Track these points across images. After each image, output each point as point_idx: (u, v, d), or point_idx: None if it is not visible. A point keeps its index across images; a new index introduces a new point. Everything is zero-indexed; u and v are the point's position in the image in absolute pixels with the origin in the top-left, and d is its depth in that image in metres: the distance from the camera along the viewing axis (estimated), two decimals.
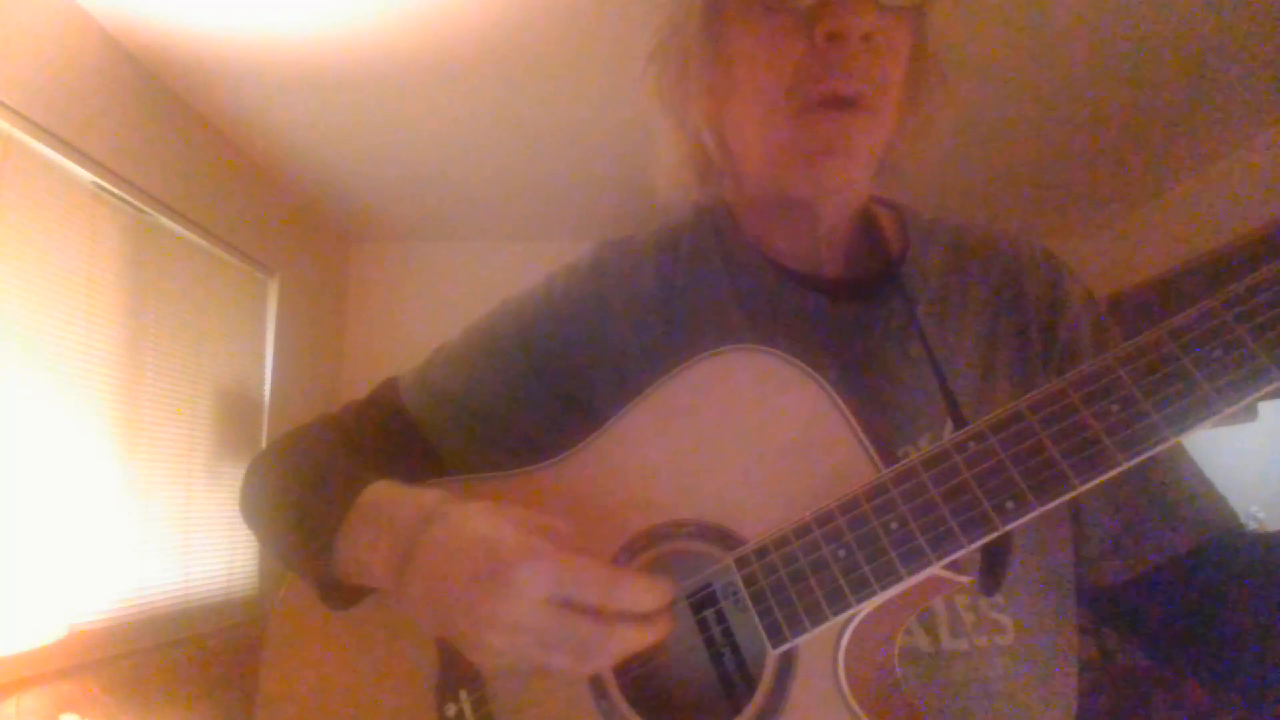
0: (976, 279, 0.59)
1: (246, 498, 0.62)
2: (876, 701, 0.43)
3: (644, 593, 0.42)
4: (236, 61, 2.04)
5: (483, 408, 0.60)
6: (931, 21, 0.55)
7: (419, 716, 0.51)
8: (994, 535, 0.39)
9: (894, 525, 0.41)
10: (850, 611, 0.42)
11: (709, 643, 0.50)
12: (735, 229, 0.62)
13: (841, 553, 0.42)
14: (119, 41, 1.95)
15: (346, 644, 0.55)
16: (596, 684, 0.48)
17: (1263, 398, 0.36)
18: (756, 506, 0.47)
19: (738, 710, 0.45)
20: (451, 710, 0.50)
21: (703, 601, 0.49)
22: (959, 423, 0.51)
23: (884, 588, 0.41)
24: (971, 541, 0.40)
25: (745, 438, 0.48)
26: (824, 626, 0.42)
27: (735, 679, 0.49)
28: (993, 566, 0.46)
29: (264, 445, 2.62)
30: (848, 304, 0.57)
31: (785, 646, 0.43)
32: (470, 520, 0.44)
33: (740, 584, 0.45)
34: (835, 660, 0.43)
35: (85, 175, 1.84)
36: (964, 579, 0.42)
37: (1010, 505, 0.39)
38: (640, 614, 0.42)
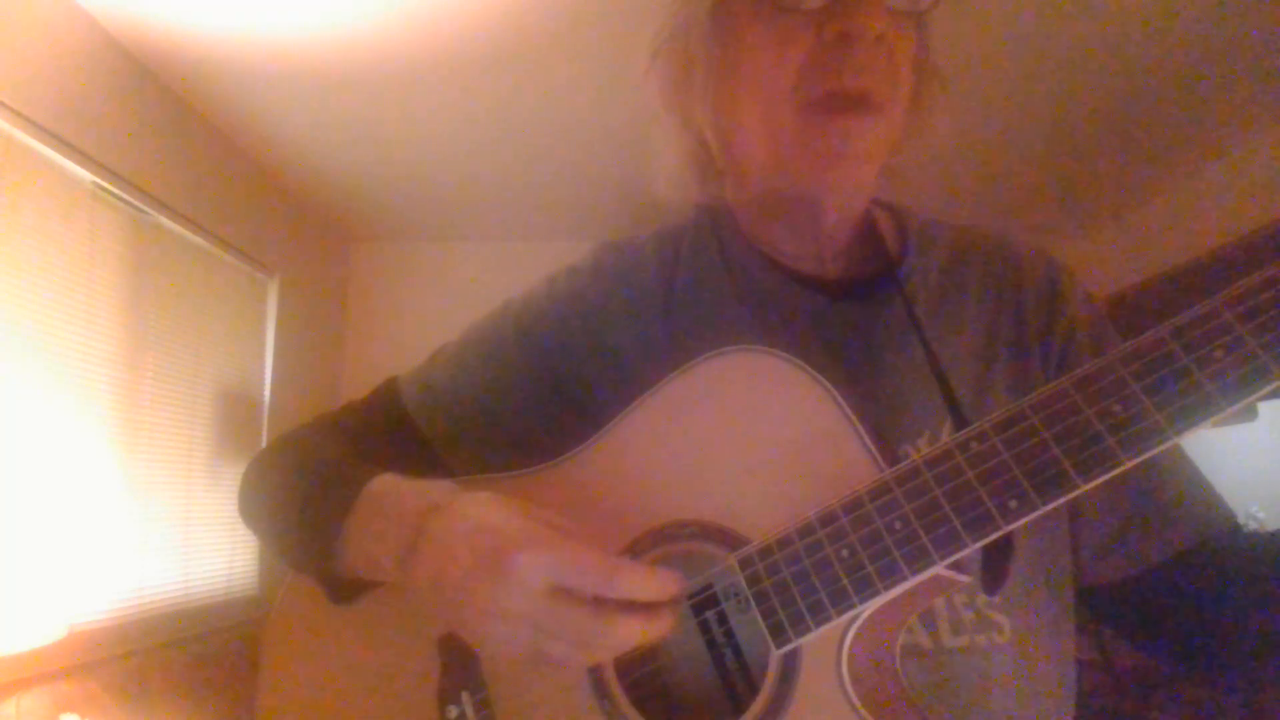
0: (975, 280, 0.59)
1: (246, 497, 0.61)
2: (879, 700, 0.43)
3: (645, 582, 0.41)
4: (236, 61, 2.04)
5: (483, 408, 0.60)
6: (932, 27, 0.55)
7: (420, 718, 0.51)
8: (997, 535, 0.39)
9: (897, 525, 0.41)
10: (854, 611, 0.42)
11: (710, 644, 0.50)
12: (736, 229, 0.62)
13: (845, 552, 0.42)
14: (119, 41, 1.95)
15: (347, 645, 0.55)
16: (599, 685, 0.48)
17: (1264, 397, 0.36)
18: (759, 507, 0.47)
19: (741, 711, 0.45)
20: (453, 712, 0.50)
21: (704, 602, 0.49)
22: (958, 422, 0.51)
23: (888, 587, 0.41)
24: (975, 541, 0.40)
25: (748, 438, 0.48)
26: (828, 626, 0.42)
27: (737, 680, 0.49)
28: (994, 566, 0.46)
29: (264, 445, 2.63)
30: (848, 304, 0.57)
31: (789, 646, 0.43)
32: (474, 509, 0.43)
33: (743, 584, 0.45)
34: (839, 660, 0.43)
35: (85, 175, 1.84)
36: (965, 578, 0.43)
37: (1013, 504, 0.39)
38: (643, 605, 0.41)
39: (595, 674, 0.48)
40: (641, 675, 0.50)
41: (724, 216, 0.63)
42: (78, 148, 1.79)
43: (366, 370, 3.20)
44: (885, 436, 0.48)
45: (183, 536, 2.16)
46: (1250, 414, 2.48)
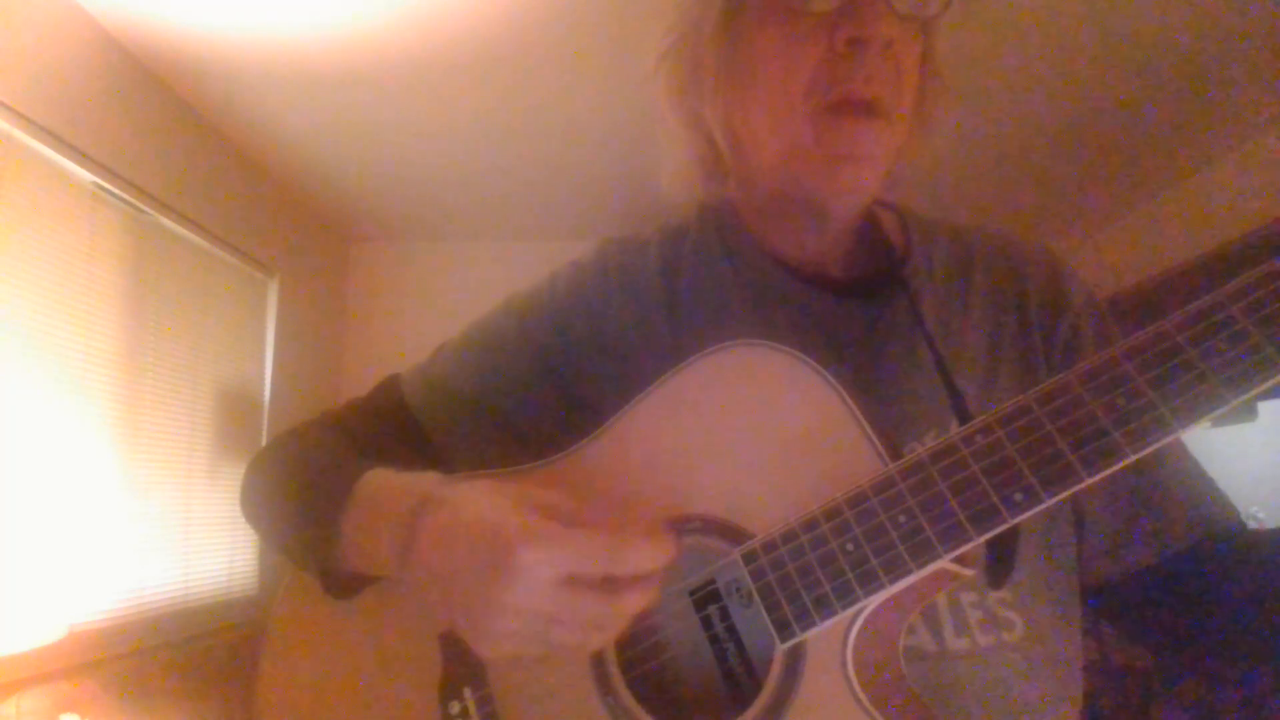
0: (979, 277, 0.59)
1: (247, 494, 0.62)
2: (884, 695, 0.43)
3: (651, 553, 0.41)
4: (236, 61, 2.04)
5: (485, 404, 0.60)
6: (937, 31, 0.55)
7: (422, 715, 0.51)
8: (1003, 528, 0.39)
9: (902, 519, 0.41)
10: (859, 605, 0.42)
11: (713, 639, 0.50)
12: (740, 227, 0.62)
13: (850, 546, 0.42)
14: (119, 41, 1.95)
15: (348, 643, 0.54)
16: (602, 679, 0.48)
17: (1267, 391, 0.36)
18: (763, 501, 0.46)
19: (744, 705, 0.45)
20: (455, 708, 0.50)
21: (707, 597, 0.49)
22: (964, 419, 0.51)
23: (892, 581, 0.41)
24: (980, 534, 0.40)
25: (752, 433, 0.48)
26: (832, 620, 0.42)
27: (740, 674, 0.49)
28: (999, 560, 0.46)
29: (264, 445, 2.62)
30: (853, 303, 0.57)
31: (793, 641, 0.43)
32: (469, 503, 0.43)
33: (747, 578, 0.45)
34: (844, 654, 0.43)
35: (85, 175, 1.84)
36: (969, 571, 0.42)
37: (1019, 497, 0.39)
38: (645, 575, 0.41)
39: (598, 668, 0.48)
40: (645, 670, 0.50)
41: (728, 215, 0.63)
42: (78, 148, 1.79)
43: (366, 370, 3.20)
44: (890, 434, 0.48)
45: (183, 536, 2.16)
46: (1250, 414, 2.48)
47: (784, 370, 0.48)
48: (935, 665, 0.49)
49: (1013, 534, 0.43)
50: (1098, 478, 0.38)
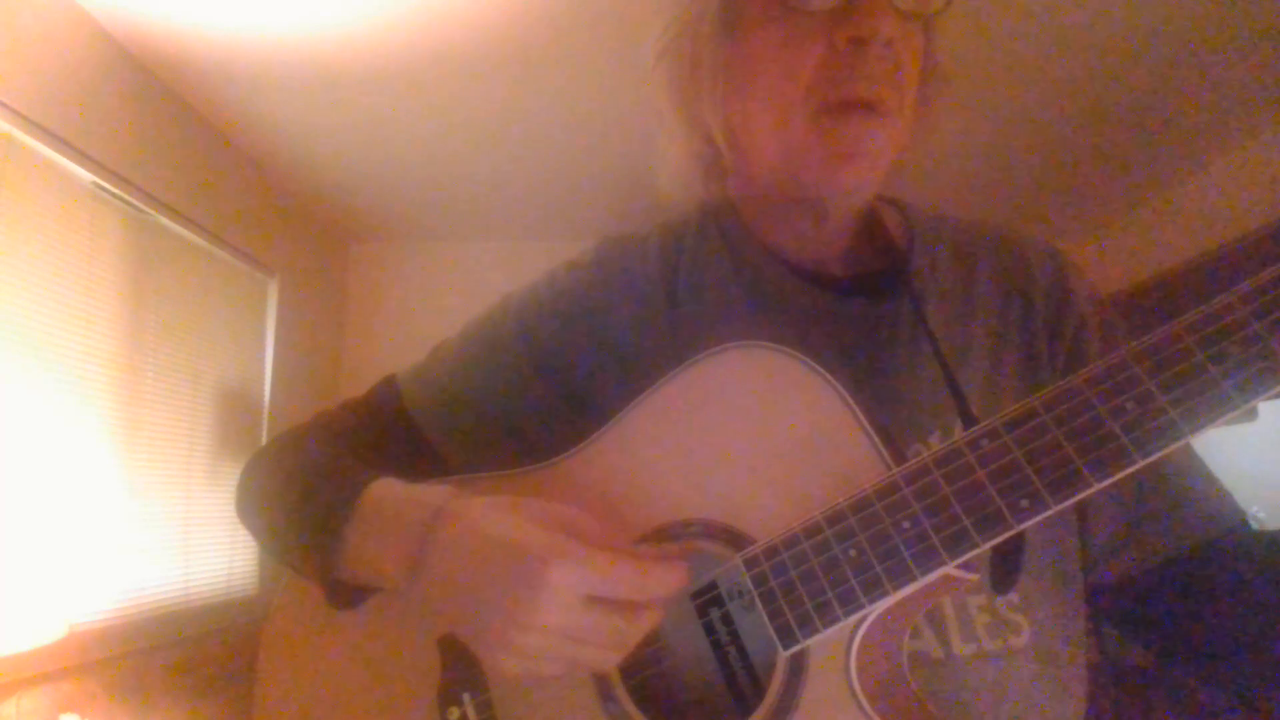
0: (983, 275, 0.59)
1: (244, 498, 0.60)
2: (888, 701, 0.43)
3: (671, 579, 0.42)
4: (236, 61, 2.04)
5: (483, 405, 0.60)
6: (937, 29, 0.55)
7: None
8: (1008, 534, 0.39)
9: (906, 524, 0.41)
10: (863, 612, 0.41)
11: (715, 644, 0.49)
12: (740, 226, 0.61)
13: (853, 552, 0.42)
14: (119, 41, 1.95)
15: (347, 646, 0.54)
16: (603, 686, 0.47)
17: (1274, 395, 0.36)
18: (765, 505, 0.46)
19: (746, 712, 0.45)
20: (455, 714, 0.50)
21: (709, 602, 0.49)
22: (968, 420, 0.51)
23: (896, 588, 0.41)
24: (986, 541, 0.39)
25: (754, 436, 0.47)
26: (836, 627, 0.42)
27: (742, 681, 0.49)
28: (1005, 565, 0.46)
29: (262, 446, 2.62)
30: (855, 302, 0.57)
31: (796, 647, 0.43)
32: (486, 518, 0.43)
33: (749, 584, 0.44)
34: (847, 661, 0.43)
35: (85, 175, 1.83)
36: (973, 576, 0.42)
37: (1025, 504, 0.39)
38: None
39: (599, 675, 0.48)
40: (646, 677, 0.50)
41: (728, 214, 0.62)
42: (78, 148, 1.78)
43: (366, 370, 3.19)
44: (894, 435, 0.48)
45: (182, 536, 2.15)
46: (1250, 414, 2.48)
47: (786, 372, 0.48)
48: (942, 671, 0.48)
49: (1019, 538, 0.43)
50: (1106, 484, 0.37)
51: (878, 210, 0.62)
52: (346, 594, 0.51)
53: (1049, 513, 0.38)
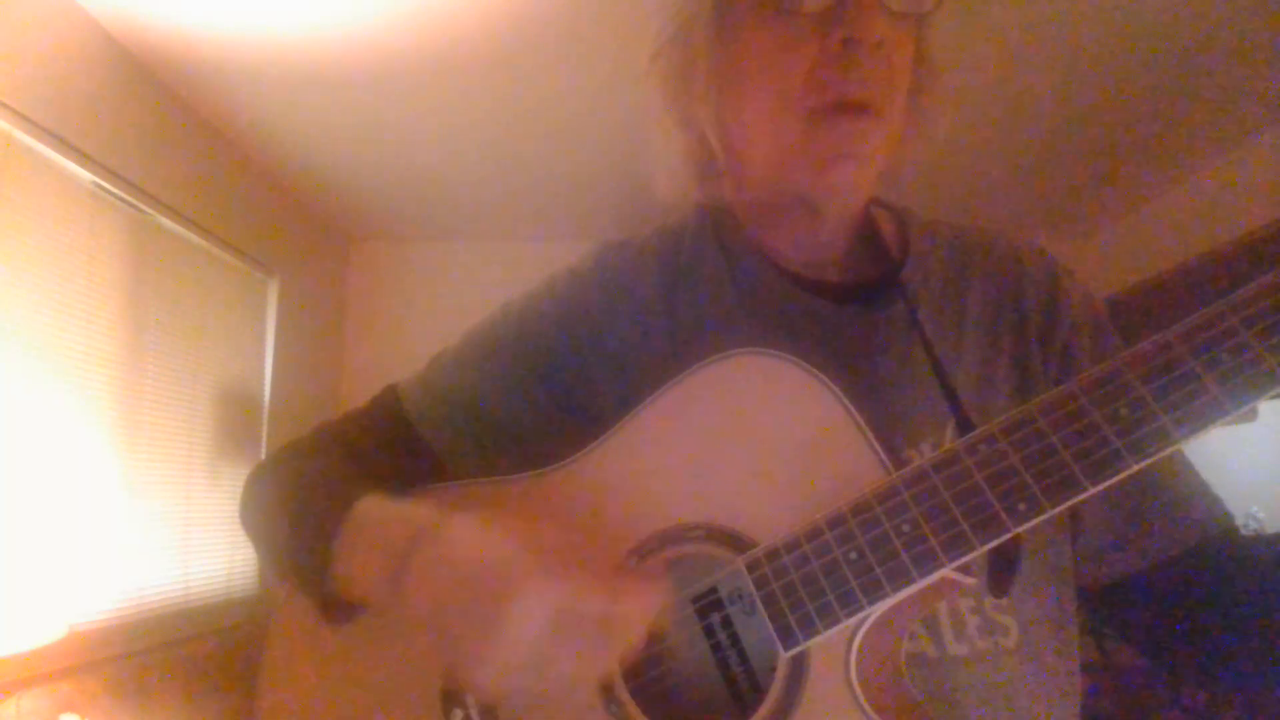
0: (977, 281, 0.59)
1: (246, 511, 0.61)
2: (887, 702, 0.43)
3: (646, 597, 0.40)
4: (236, 61, 2.04)
5: (484, 412, 0.60)
6: (932, 27, 0.55)
7: None
8: (1005, 537, 0.40)
9: (905, 527, 0.42)
10: (863, 613, 0.42)
11: (715, 647, 0.50)
12: (737, 231, 0.62)
13: (853, 555, 0.42)
14: (119, 41, 1.95)
15: (349, 647, 0.54)
16: (605, 687, 0.48)
17: (1266, 399, 0.37)
18: (766, 509, 0.47)
19: (747, 714, 0.45)
20: (458, 716, 0.50)
21: (709, 606, 0.49)
22: (962, 424, 0.51)
23: (896, 589, 0.41)
24: (983, 544, 0.40)
25: (754, 441, 0.48)
26: (836, 629, 0.42)
27: (742, 683, 0.49)
28: (1001, 568, 0.46)
29: (264, 446, 2.64)
30: (850, 307, 0.57)
31: (797, 649, 0.43)
32: (463, 539, 0.42)
33: (751, 587, 0.45)
34: (848, 662, 0.43)
35: (85, 175, 1.83)
36: (971, 580, 0.43)
37: (1022, 507, 0.39)
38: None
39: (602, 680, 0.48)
40: (647, 679, 0.50)
41: (724, 217, 0.63)
42: (78, 148, 1.78)
43: (366, 370, 3.20)
44: (890, 440, 0.48)
45: (182, 537, 2.16)
46: (1250, 414, 2.48)
47: (786, 378, 0.48)
48: (937, 670, 0.49)
49: (1015, 543, 0.43)
50: (1101, 488, 0.38)
51: (873, 215, 0.62)
52: (340, 611, 0.50)
53: (1045, 516, 0.39)
